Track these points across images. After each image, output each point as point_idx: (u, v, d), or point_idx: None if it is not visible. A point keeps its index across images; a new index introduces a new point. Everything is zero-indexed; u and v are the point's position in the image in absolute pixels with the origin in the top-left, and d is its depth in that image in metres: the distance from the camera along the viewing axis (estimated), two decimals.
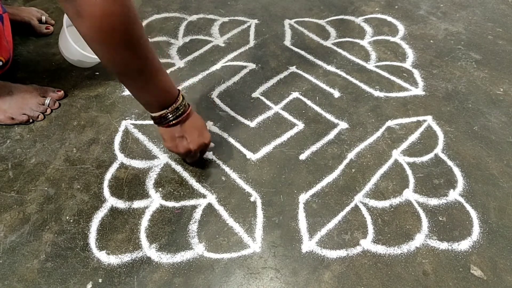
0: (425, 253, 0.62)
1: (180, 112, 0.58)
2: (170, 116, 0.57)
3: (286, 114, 0.83)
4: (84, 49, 0.76)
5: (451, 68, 0.95)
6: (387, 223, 0.66)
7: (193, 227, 0.65)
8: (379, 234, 0.64)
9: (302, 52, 0.98)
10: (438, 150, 0.77)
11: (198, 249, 0.62)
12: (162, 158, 0.74)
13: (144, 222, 0.65)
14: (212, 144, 0.71)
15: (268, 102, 0.86)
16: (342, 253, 0.62)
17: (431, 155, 0.76)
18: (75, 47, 0.77)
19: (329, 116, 0.83)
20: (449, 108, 0.85)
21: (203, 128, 0.64)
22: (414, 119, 0.83)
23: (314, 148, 0.77)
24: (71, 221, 0.65)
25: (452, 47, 1.01)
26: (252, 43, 1.01)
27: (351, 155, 0.76)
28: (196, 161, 0.71)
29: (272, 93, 0.88)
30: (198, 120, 0.64)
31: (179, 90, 0.59)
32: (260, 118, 0.82)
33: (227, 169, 0.73)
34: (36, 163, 0.73)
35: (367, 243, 0.63)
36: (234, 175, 0.72)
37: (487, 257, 0.61)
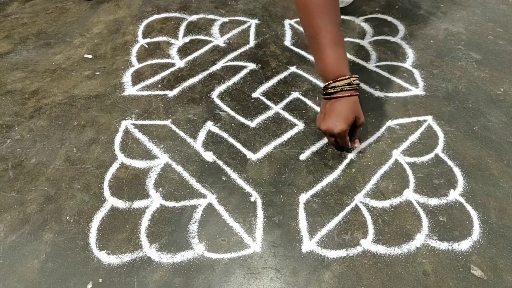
0: (425, 253, 0.62)
1: (328, 91, 0.64)
2: (323, 90, 0.66)
3: (286, 114, 0.83)
4: None
5: (451, 68, 0.95)
6: (387, 223, 0.66)
7: (193, 227, 0.65)
8: (379, 234, 0.64)
9: (302, 52, 0.98)
10: (438, 150, 0.77)
11: (198, 249, 0.62)
12: (163, 158, 0.74)
13: (144, 222, 0.65)
14: (356, 145, 0.72)
15: (268, 102, 0.86)
16: (342, 253, 0.62)
17: (431, 155, 0.76)
18: None
19: None
20: (449, 108, 0.85)
21: (342, 117, 0.63)
22: (414, 119, 0.83)
23: (314, 148, 0.77)
24: (71, 221, 0.65)
25: (452, 47, 1.01)
26: (252, 43, 1.01)
27: (351, 155, 0.75)
28: (338, 148, 0.74)
29: (272, 93, 0.88)
30: (346, 110, 0.63)
31: (349, 76, 0.63)
32: (260, 118, 0.82)
33: (227, 169, 0.73)
34: (36, 163, 0.73)
35: (367, 243, 0.63)
36: (234, 175, 0.72)
37: (487, 257, 0.61)
